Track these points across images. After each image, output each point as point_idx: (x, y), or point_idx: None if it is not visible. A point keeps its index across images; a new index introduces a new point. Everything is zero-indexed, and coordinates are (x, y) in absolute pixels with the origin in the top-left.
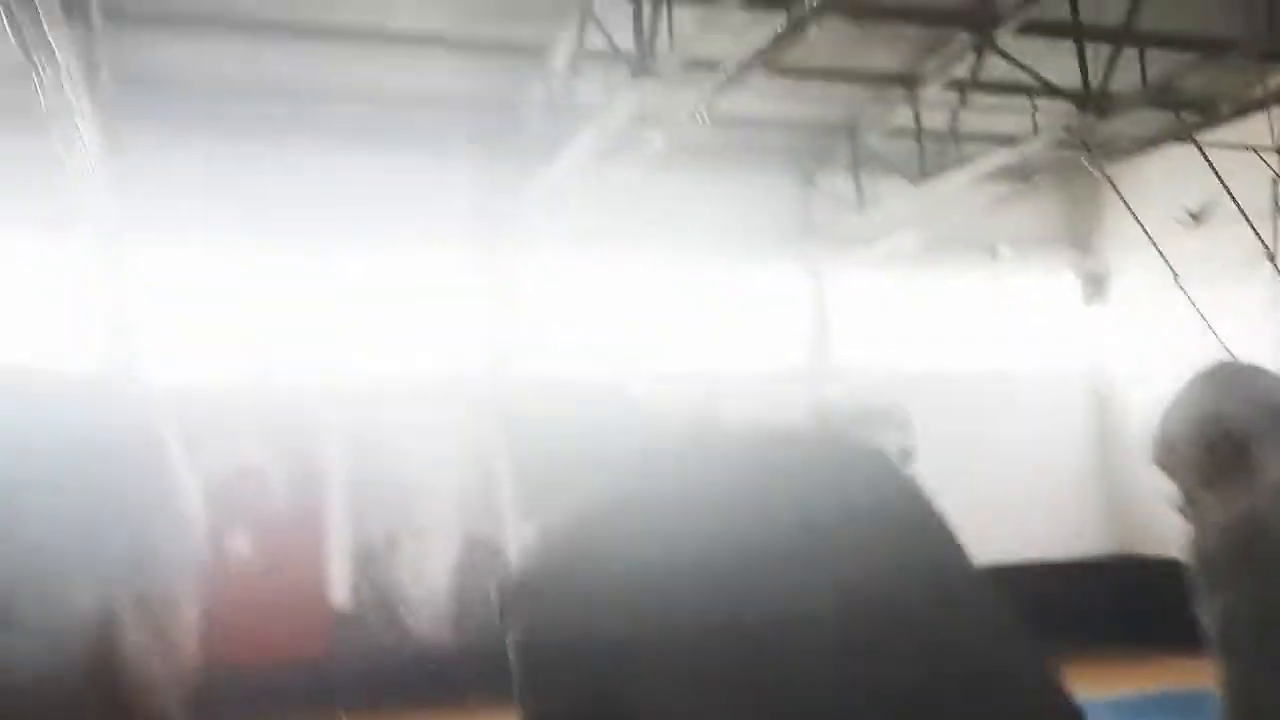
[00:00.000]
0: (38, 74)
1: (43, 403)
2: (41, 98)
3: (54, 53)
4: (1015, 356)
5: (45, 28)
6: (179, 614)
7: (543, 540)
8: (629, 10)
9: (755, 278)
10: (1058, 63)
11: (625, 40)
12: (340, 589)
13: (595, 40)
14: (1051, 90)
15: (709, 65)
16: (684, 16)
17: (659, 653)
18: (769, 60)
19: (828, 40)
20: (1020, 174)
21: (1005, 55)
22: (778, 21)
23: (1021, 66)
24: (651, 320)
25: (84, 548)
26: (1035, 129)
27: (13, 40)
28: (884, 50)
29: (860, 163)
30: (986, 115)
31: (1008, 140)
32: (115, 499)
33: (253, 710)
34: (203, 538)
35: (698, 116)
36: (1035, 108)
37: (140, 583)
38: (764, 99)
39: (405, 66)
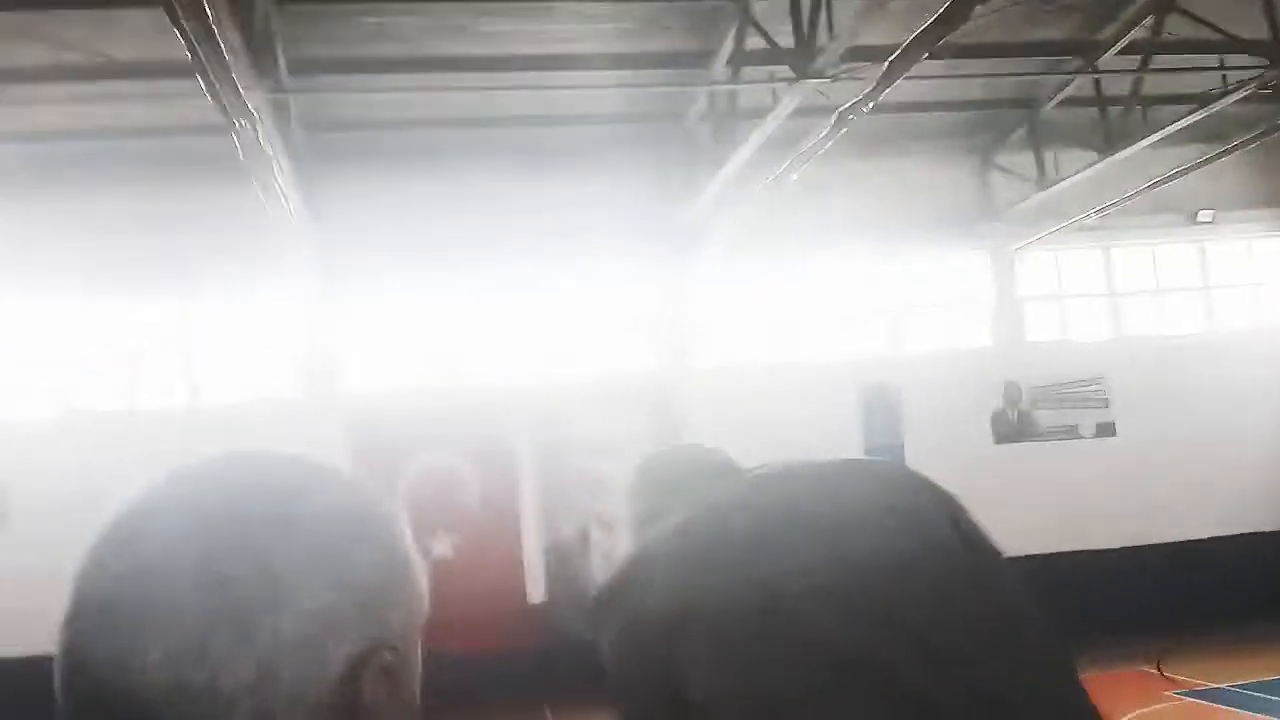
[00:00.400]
0: (235, 129)
1: (298, 489)
2: (240, 150)
3: (248, 109)
4: (1218, 324)
5: (239, 87)
6: (411, 673)
7: (641, 548)
8: (787, 9)
9: (936, 261)
10: (1243, 15)
11: (785, 39)
12: (535, 583)
13: (755, 42)
14: (1240, 45)
15: (872, 53)
16: (843, 8)
17: (724, 655)
18: (935, 43)
19: (996, 16)
20: (1213, 135)
21: (1188, 13)
22: (941, 2)
23: (1206, 23)
24: (828, 312)
25: (335, 615)
26: (1225, 87)
27: (210, 100)
28: (1056, 21)
29: (1040, 137)
30: (1171, 77)
31: (1196, 101)
32: (364, 572)
33: (454, 701)
34: (426, 608)
35: (864, 108)
36: (1223, 65)
37: (381, 644)
38: (933, 82)
39: (573, 87)
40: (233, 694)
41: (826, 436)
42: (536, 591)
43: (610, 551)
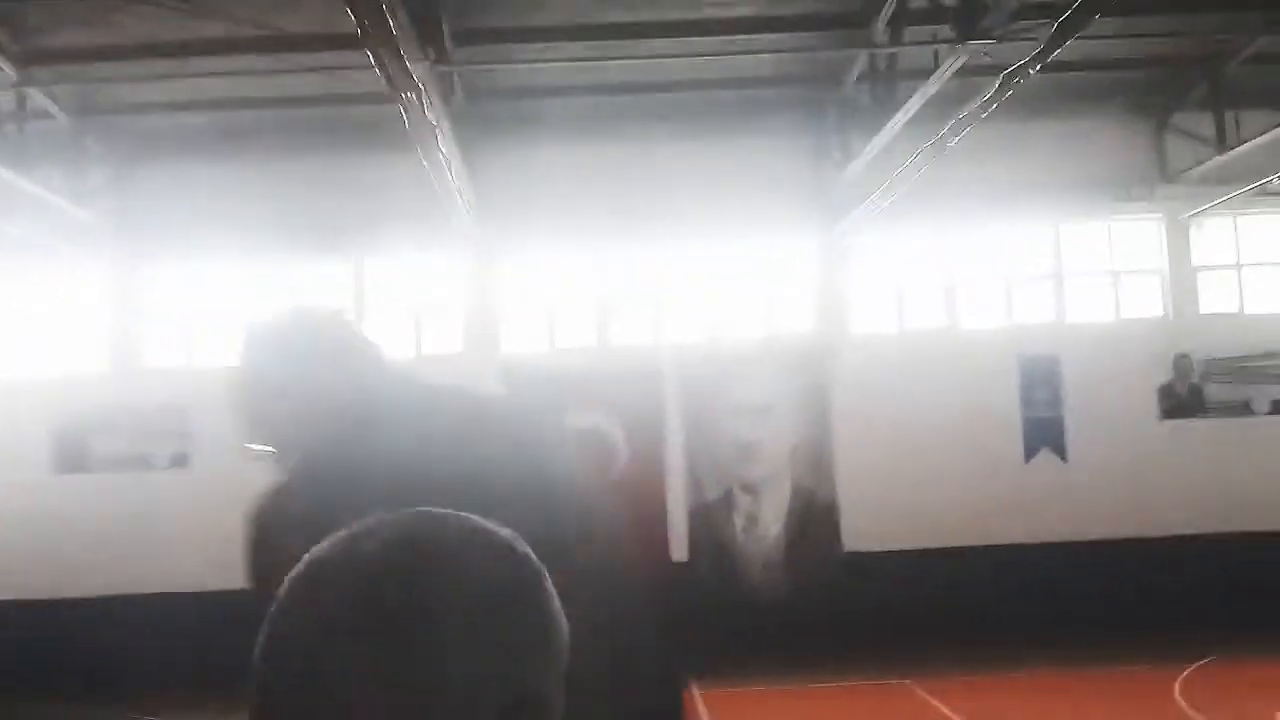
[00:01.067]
0: (401, 100)
1: (461, 549)
2: (405, 119)
3: (413, 80)
4: None
5: (405, 59)
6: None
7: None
8: None
9: (1105, 227)
10: None
11: None
12: (679, 543)
13: (917, 1)
14: None
15: (1042, 11)
16: None
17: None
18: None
19: None
20: None
21: None
22: None
23: None
24: (989, 279)
25: (489, 670)
26: None
27: (377, 72)
28: None
29: (1220, 97)
30: None
31: None
32: (516, 631)
33: None
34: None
35: (1032, 69)
36: None
37: (528, 699)
38: (1105, 39)
39: (731, 52)
40: None
41: (982, 407)
42: (680, 551)
43: (755, 515)
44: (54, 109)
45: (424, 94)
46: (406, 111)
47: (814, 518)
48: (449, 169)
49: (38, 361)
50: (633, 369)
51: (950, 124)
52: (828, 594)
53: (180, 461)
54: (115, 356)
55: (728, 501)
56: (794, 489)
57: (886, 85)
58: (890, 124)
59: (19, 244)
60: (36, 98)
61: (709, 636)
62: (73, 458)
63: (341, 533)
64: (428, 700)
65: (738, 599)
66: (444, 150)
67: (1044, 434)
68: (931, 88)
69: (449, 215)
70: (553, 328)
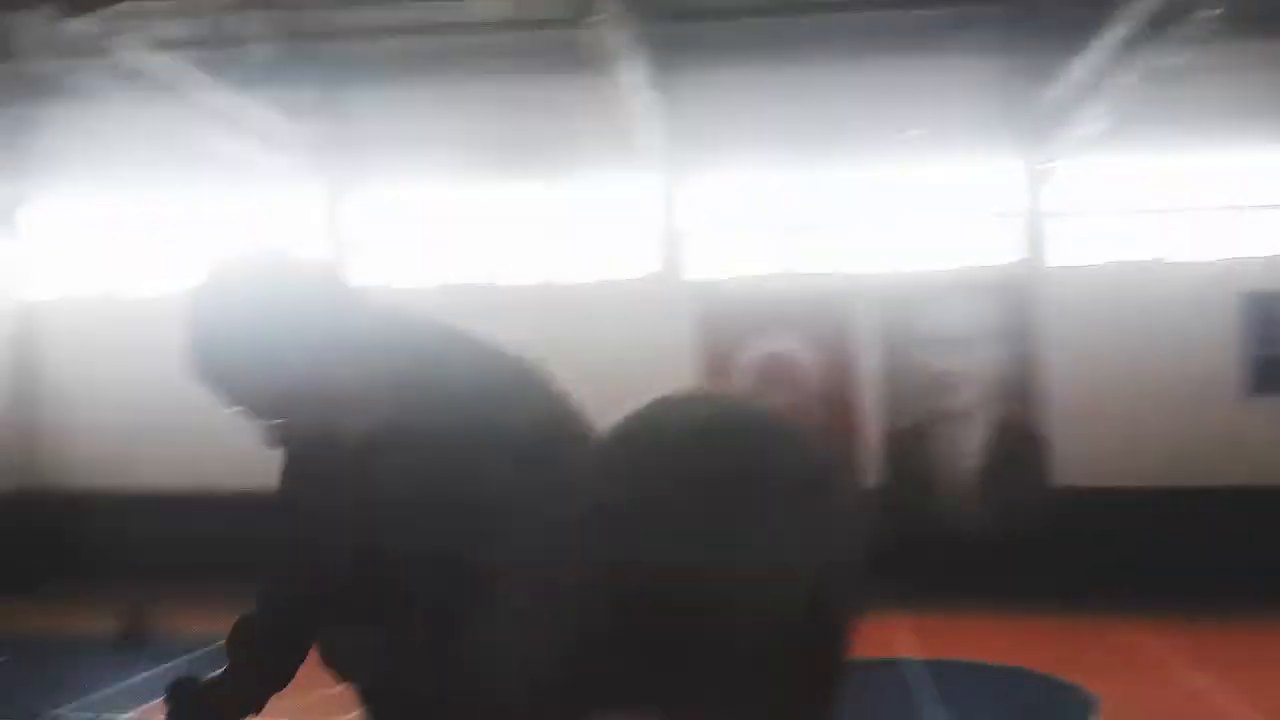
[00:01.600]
0: (592, 19)
1: (770, 433)
2: (598, 39)
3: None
4: None
5: None
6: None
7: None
8: None
9: None
10: None
11: None
12: (871, 470)
13: None
14: None
15: None
16: None
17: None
18: None
19: None
20: None
21: None
22: None
23: None
24: (1210, 209)
25: (799, 541)
26: None
27: None
28: None
29: None
30: None
31: None
32: (818, 518)
33: None
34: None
35: None
36: None
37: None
38: None
39: None
40: (719, 590)
41: (1193, 342)
42: (872, 478)
43: (954, 445)
44: (268, 32)
45: (615, 11)
46: (598, 29)
47: (1019, 450)
48: (641, 90)
49: None
50: (825, 295)
51: (1170, 38)
52: (1033, 529)
53: None
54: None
55: (924, 431)
56: (998, 420)
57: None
58: (1104, 38)
59: (236, 163)
60: (252, 21)
61: (899, 562)
62: None
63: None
64: (748, 552)
65: (933, 530)
66: (635, 70)
67: (1269, 372)
68: (1149, 3)
69: (641, 136)
70: (744, 252)
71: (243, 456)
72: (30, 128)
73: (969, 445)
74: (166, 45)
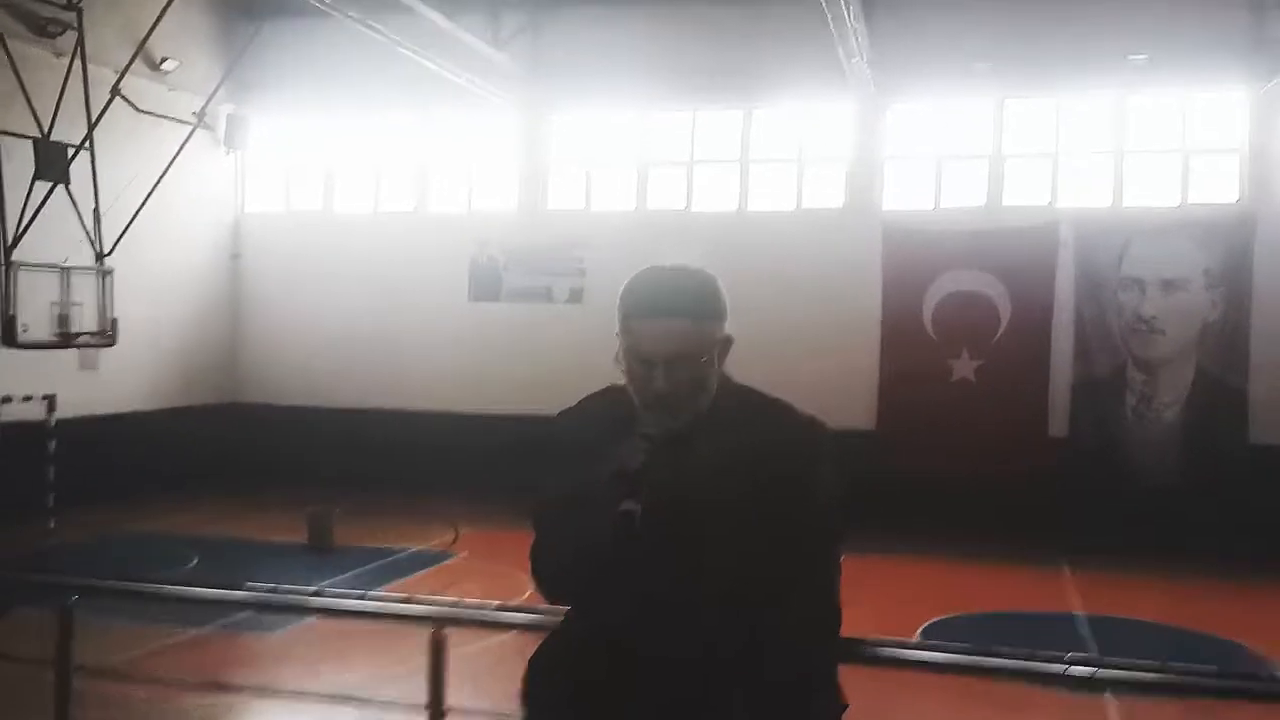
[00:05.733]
0: None
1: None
2: None
3: None
4: None
5: None
6: None
7: None
8: None
9: None
10: None
11: None
12: (1059, 418)
13: None
14: None
15: None
16: None
17: None
18: None
19: None
20: None
21: None
22: None
23: None
24: None
25: None
26: None
27: None
28: None
29: None
30: None
31: None
32: None
33: (960, 519)
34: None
35: None
36: None
37: None
38: None
39: None
40: None
41: None
42: (1059, 427)
43: (1150, 395)
44: None
45: None
46: None
47: (1219, 404)
48: (847, 10)
49: (455, 196)
50: (1024, 230)
51: None
52: (1226, 488)
53: (576, 297)
54: (524, 197)
55: (1120, 379)
56: (1198, 371)
57: None
58: None
59: (442, 84)
60: None
61: (1083, 515)
62: (486, 287)
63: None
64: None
65: (1122, 483)
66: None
67: None
68: None
69: (841, 62)
70: (940, 185)
71: (426, 379)
72: (256, 44)
73: (1166, 397)
74: None
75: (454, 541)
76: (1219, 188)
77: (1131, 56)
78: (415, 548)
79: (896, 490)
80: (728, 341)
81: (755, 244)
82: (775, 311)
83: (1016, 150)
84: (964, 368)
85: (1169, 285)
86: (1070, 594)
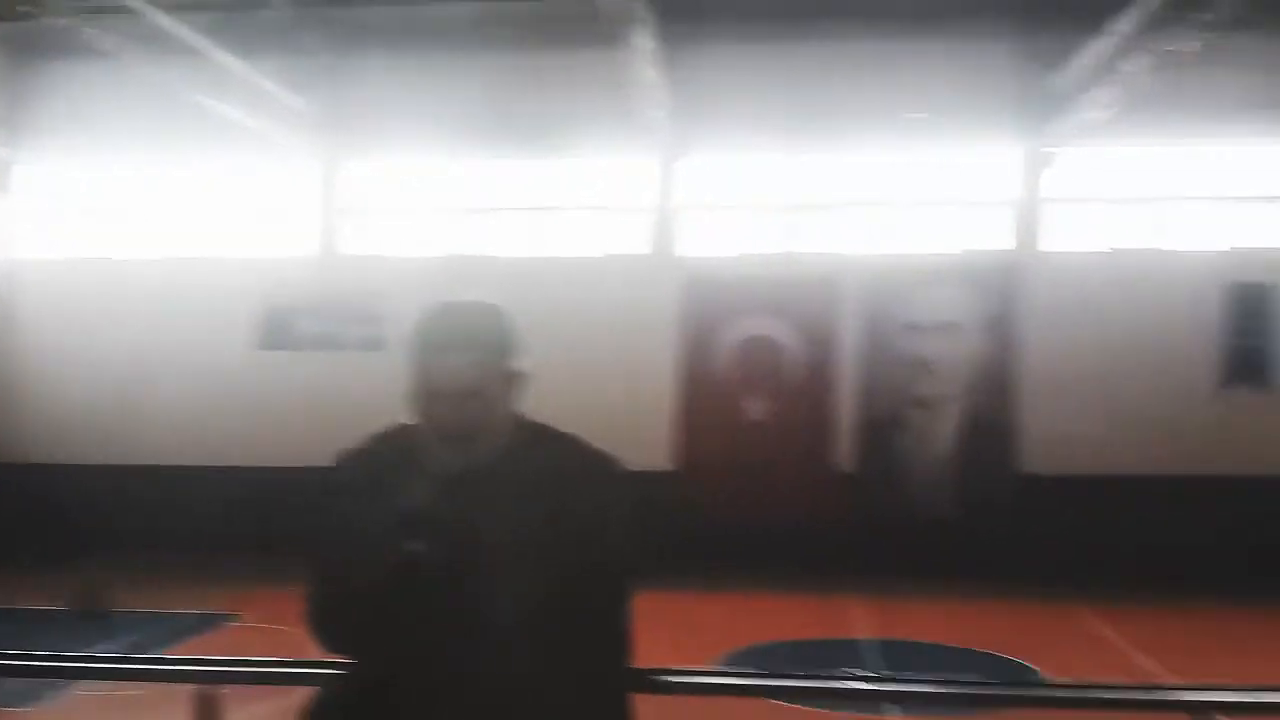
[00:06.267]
0: None
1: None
2: (606, 13)
3: None
4: None
5: None
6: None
7: None
8: None
9: None
10: None
11: None
12: (847, 455)
13: None
14: None
15: None
16: None
17: None
18: None
19: None
20: None
21: None
22: None
23: None
24: (1202, 199)
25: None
26: None
27: None
28: None
29: None
30: None
31: None
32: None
33: (754, 554)
34: None
35: None
36: None
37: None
38: None
39: None
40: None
41: (1181, 333)
42: (847, 463)
43: (928, 432)
44: None
45: None
46: (606, 5)
47: (992, 438)
48: (645, 63)
49: (246, 241)
50: (813, 277)
51: (1181, 31)
52: (1000, 516)
53: (374, 345)
54: (320, 243)
55: (900, 417)
56: (971, 409)
57: None
58: (1115, 26)
59: (235, 127)
60: None
61: (869, 547)
62: (277, 336)
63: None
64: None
65: (903, 513)
66: (639, 45)
67: (1249, 365)
68: None
69: (642, 114)
70: (737, 233)
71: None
72: (32, 85)
73: (943, 433)
74: (173, 6)
75: (238, 603)
76: (992, 237)
77: (912, 115)
78: (196, 610)
79: (694, 528)
80: (521, 377)
81: (558, 290)
82: (577, 355)
83: (809, 201)
84: (758, 409)
85: (944, 329)
86: (860, 620)
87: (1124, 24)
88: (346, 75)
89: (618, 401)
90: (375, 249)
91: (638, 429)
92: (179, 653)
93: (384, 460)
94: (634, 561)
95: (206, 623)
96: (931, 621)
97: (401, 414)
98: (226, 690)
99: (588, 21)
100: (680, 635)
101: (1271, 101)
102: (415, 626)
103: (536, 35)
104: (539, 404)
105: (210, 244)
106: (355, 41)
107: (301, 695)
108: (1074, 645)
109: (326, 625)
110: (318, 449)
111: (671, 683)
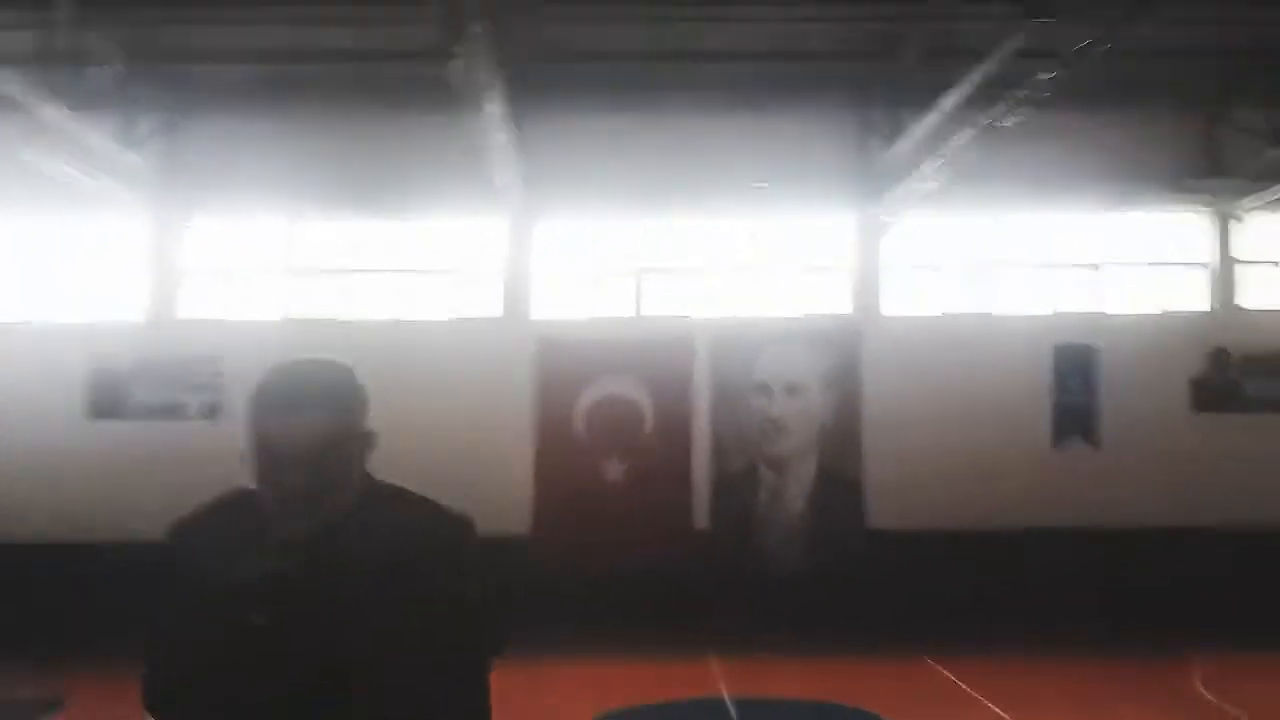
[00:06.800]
0: (450, 56)
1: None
2: (453, 77)
3: (463, 36)
4: None
5: (464, 12)
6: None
7: None
8: None
9: (1150, 218)
10: None
11: None
12: (701, 512)
13: None
14: None
15: None
16: None
17: None
18: None
19: None
20: None
21: None
22: None
23: None
24: (1029, 265)
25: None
26: None
27: (430, 28)
28: None
29: (1276, 90)
30: None
31: None
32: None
33: (614, 615)
34: None
35: (1097, 50)
36: None
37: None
38: (1167, 26)
39: (779, 21)
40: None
41: (1014, 393)
42: (702, 521)
43: (779, 490)
44: (108, 53)
45: (473, 50)
46: (454, 67)
47: (839, 495)
48: (497, 128)
49: (76, 305)
50: (665, 340)
51: (1004, 106)
52: (848, 569)
53: (212, 412)
54: (153, 306)
55: (753, 475)
56: (820, 466)
57: (943, 62)
58: (942, 102)
59: (66, 185)
60: (91, 40)
61: (727, 606)
62: (107, 404)
63: None
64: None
65: (757, 569)
66: (491, 111)
67: (1076, 421)
68: (989, 67)
69: (492, 178)
70: (589, 296)
71: (38, 507)
72: None
73: (793, 490)
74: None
75: (66, 690)
76: (832, 302)
77: (754, 184)
78: (10, 703)
79: (553, 592)
80: (369, 437)
81: (410, 353)
82: (430, 419)
83: (658, 265)
84: (614, 470)
85: (792, 389)
86: (718, 679)
87: (950, 100)
88: (186, 133)
89: (471, 466)
90: (214, 312)
91: (493, 494)
92: None
93: (221, 529)
94: (492, 627)
95: (27, 713)
96: (789, 676)
97: (240, 481)
98: None
99: (438, 86)
100: (549, 701)
101: (1085, 174)
102: (263, 702)
103: (386, 98)
104: (389, 469)
105: (38, 307)
106: (195, 99)
107: None
108: (927, 696)
109: (166, 708)
110: (152, 522)
111: None
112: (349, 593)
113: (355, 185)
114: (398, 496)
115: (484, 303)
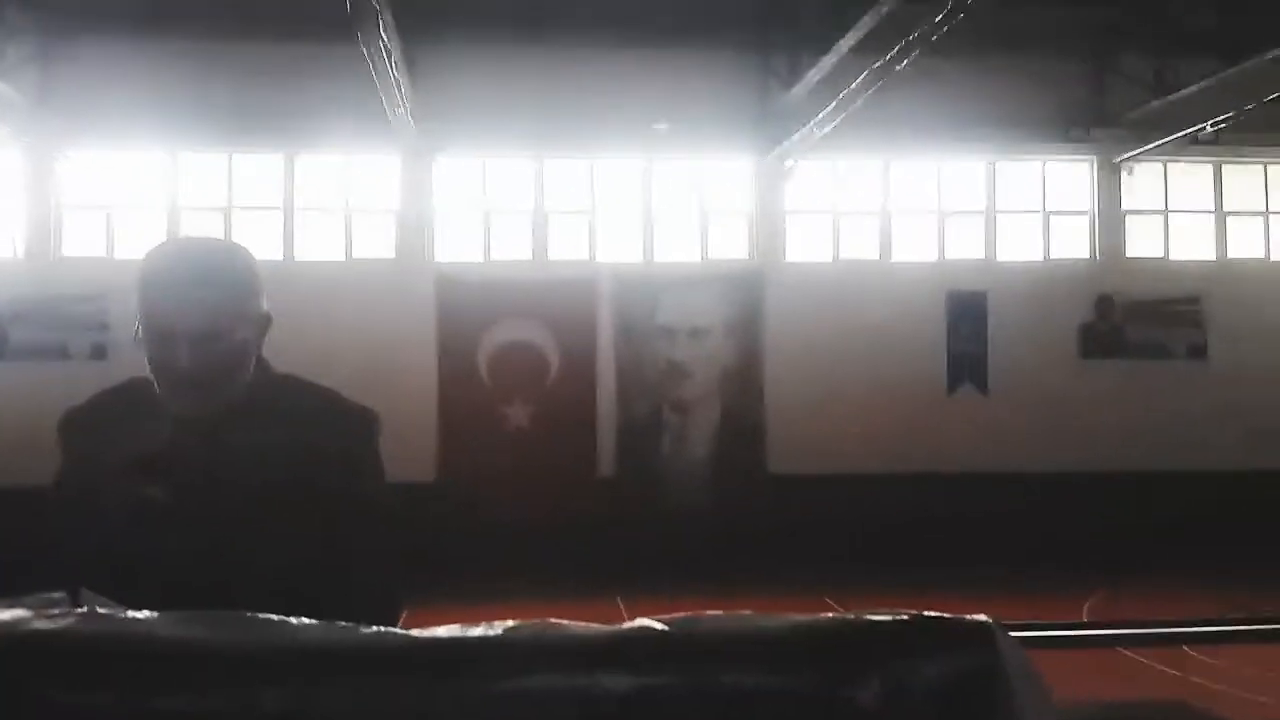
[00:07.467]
0: None
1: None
2: (348, 5)
3: None
4: None
5: None
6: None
7: None
8: None
9: (1039, 167)
10: None
11: None
12: (607, 458)
13: None
14: None
15: None
16: None
17: None
18: None
19: None
20: None
21: None
22: None
23: None
24: (923, 212)
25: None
26: None
27: None
28: None
29: (1162, 42)
30: None
31: None
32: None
33: (522, 564)
34: None
35: None
36: None
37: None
38: None
39: None
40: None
41: (910, 339)
42: (608, 467)
43: (683, 434)
44: None
45: None
46: None
47: (741, 440)
48: (389, 60)
49: None
50: (567, 284)
51: (898, 48)
52: (751, 513)
53: (99, 353)
54: (32, 243)
55: (658, 420)
56: (723, 411)
57: (839, 4)
58: (839, 45)
59: None
60: None
61: (632, 549)
62: None
63: None
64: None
65: (662, 514)
66: (384, 39)
67: (967, 367)
68: (884, 8)
69: (386, 112)
70: (488, 237)
71: None
72: None
73: (697, 434)
74: None
75: None
76: (733, 246)
77: (655, 125)
78: None
79: (458, 539)
80: (265, 320)
81: (303, 295)
82: (326, 364)
83: (559, 207)
84: (518, 415)
85: (696, 333)
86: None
87: (847, 41)
88: (60, 61)
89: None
90: (98, 250)
91: (401, 442)
92: None
93: (114, 413)
94: (394, 509)
95: None
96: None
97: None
98: None
99: (327, 15)
100: None
101: (975, 121)
102: (155, 581)
103: (273, 27)
104: None
105: None
106: (70, 25)
107: None
108: None
109: (68, 579)
110: (36, 465)
111: None
112: (247, 471)
113: (242, 117)
114: (297, 384)
115: (383, 243)
